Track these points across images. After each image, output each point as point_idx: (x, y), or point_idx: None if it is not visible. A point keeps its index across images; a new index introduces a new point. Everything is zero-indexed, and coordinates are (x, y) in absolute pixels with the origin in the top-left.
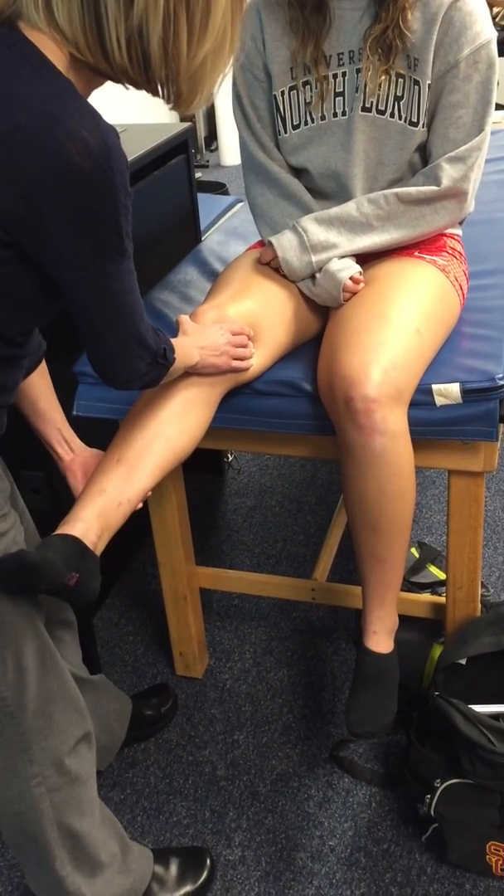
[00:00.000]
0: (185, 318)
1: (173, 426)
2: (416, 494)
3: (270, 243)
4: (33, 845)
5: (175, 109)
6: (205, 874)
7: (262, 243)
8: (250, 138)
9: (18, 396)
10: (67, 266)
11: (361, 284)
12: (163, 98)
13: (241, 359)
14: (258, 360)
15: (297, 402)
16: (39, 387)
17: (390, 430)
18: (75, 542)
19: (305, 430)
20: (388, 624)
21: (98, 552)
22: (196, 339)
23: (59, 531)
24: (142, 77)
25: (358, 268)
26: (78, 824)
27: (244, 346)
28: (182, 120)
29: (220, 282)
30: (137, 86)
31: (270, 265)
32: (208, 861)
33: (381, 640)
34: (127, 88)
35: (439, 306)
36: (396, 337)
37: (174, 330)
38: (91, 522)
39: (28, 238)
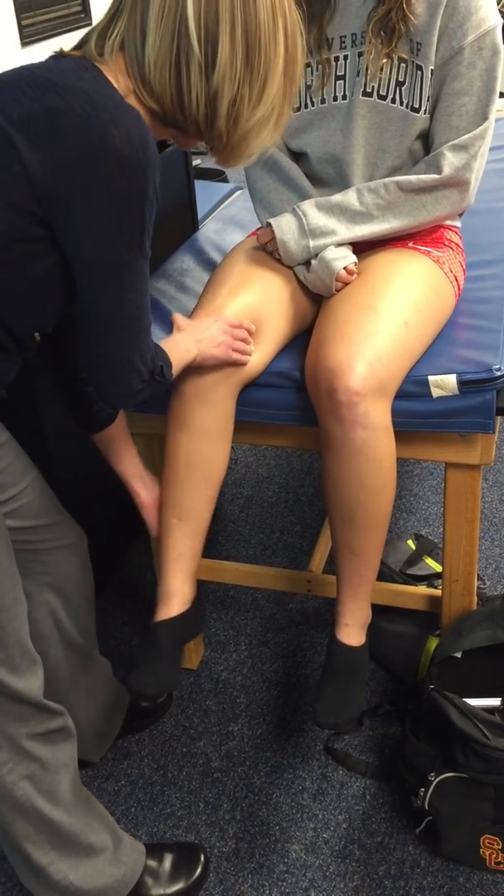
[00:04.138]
0: (178, 316)
1: (210, 463)
2: (395, 488)
3: (269, 224)
4: (12, 836)
5: (219, 162)
6: (198, 871)
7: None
8: None
9: (96, 438)
10: (86, 243)
11: (355, 275)
12: (212, 148)
13: (242, 352)
14: (262, 352)
15: (288, 392)
16: (115, 431)
17: (372, 423)
18: (181, 619)
19: (296, 421)
20: (361, 617)
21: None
22: (192, 333)
23: (163, 614)
24: (206, 129)
25: (353, 258)
26: (57, 814)
27: (244, 340)
28: None
29: (218, 276)
30: (200, 135)
31: (267, 248)
32: (202, 857)
33: (352, 632)
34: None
35: (430, 298)
36: (384, 329)
37: (170, 324)
38: (184, 589)
39: (56, 211)
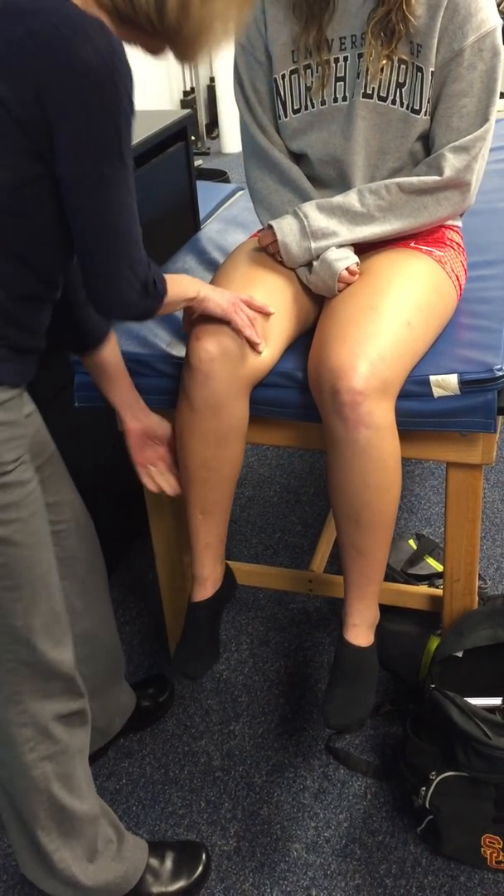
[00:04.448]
0: None
1: (228, 466)
2: (401, 488)
3: (270, 227)
4: (24, 817)
5: (177, 56)
6: (200, 869)
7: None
8: (251, 121)
9: (88, 364)
10: (68, 160)
11: (357, 276)
12: (170, 42)
13: (249, 333)
14: (269, 351)
15: (291, 392)
16: (106, 356)
17: (376, 423)
18: (216, 595)
19: (297, 420)
20: (369, 617)
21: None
22: (196, 280)
23: (200, 595)
24: (159, 22)
25: (355, 258)
26: (69, 800)
27: (252, 319)
28: (183, 107)
29: (220, 279)
30: (156, 30)
31: (268, 250)
32: (204, 856)
33: (360, 633)
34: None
35: (432, 298)
36: (386, 329)
37: (176, 326)
38: (216, 571)
39: (40, 136)
